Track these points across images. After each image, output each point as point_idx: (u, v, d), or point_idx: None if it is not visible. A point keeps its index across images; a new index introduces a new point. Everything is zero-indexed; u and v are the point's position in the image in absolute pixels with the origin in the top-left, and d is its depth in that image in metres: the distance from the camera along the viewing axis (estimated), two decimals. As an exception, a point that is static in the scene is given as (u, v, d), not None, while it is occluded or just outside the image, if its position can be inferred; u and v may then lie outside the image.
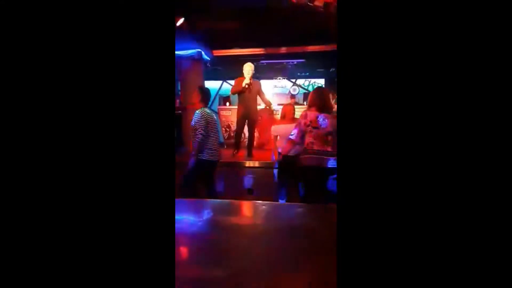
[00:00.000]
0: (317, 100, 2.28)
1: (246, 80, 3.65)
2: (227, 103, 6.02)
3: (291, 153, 2.90)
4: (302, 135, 2.25)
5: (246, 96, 3.75)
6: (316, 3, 3.56)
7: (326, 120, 2.21)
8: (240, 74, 3.82)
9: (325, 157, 2.18)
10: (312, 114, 2.23)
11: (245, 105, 3.78)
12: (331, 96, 2.39)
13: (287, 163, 2.93)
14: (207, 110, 2.74)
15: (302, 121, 2.26)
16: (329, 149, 2.18)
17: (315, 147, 2.19)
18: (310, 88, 7.23)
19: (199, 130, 2.64)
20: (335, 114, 2.26)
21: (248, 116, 3.82)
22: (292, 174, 2.92)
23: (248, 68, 3.70)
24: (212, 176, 2.89)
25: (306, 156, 2.25)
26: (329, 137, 2.19)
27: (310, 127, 2.20)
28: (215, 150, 2.76)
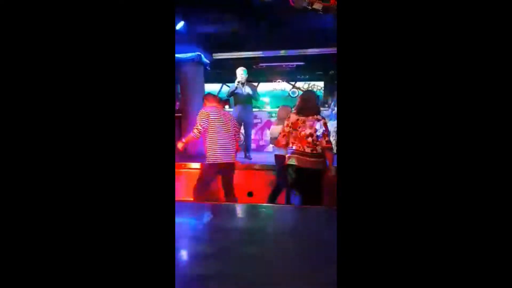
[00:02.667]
0: (300, 104, 2.46)
1: (238, 79, 3.79)
2: (226, 106, 6.05)
3: (279, 153, 2.95)
4: (284, 135, 2.41)
5: (240, 99, 3.84)
6: (315, 6, 3.58)
7: (307, 123, 2.33)
8: None
9: (302, 156, 2.30)
10: (294, 117, 2.39)
11: (239, 108, 3.88)
12: (314, 100, 2.47)
13: (279, 163, 2.97)
14: (211, 106, 2.64)
15: (285, 123, 2.44)
16: (308, 150, 2.25)
17: (294, 147, 2.34)
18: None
19: (197, 126, 2.55)
20: (319, 117, 2.33)
21: (243, 118, 3.90)
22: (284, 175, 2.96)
23: (240, 72, 3.84)
24: (226, 181, 2.72)
25: (286, 155, 2.40)
26: (309, 139, 2.26)
27: (291, 129, 2.37)
28: (220, 151, 2.57)
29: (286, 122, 2.44)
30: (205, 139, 2.65)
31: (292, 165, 2.32)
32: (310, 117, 2.34)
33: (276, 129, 3.10)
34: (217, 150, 2.60)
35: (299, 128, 2.33)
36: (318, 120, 2.33)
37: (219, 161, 2.59)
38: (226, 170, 2.68)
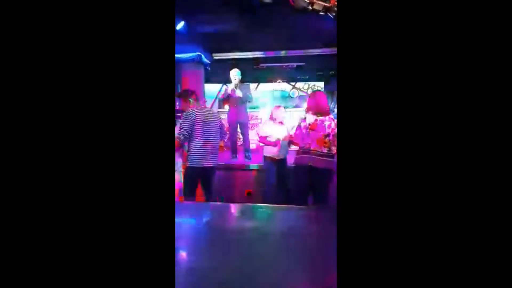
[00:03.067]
0: (314, 104, 2.39)
1: (231, 86, 3.87)
2: (226, 106, 6.07)
3: (276, 156, 2.94)
4: (302, 137, 2.37)
5: (235, 101, 3.91)
6: (316, 6, 3.59)
7: (325, 123, 2.30)
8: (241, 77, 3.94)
9: (318, 157, 2.27)
10: (311, 117, 2.35)
11: (234, 110, 3.96)
12: (326, 99, 2.45)
13: (273, 164, 2.97)
14: (197, 109, 2.48)
15: (302, 124, 2.38)
16: (325, 150, 2.24)
17: (311, 148, 2.30)
18: (310, 92, 7.26)
19: (182, 130, 2.39)
20: (332, 117, 2.33)
21: (238, 120, 3.98)
22: (279, 175, 2.98)
23: (233, 73, 3.89)
24: (208, 184, 2.67)
25: (301, 155, 2.34)
26: (327, 139, 2.25)
27: (308, 130, 2.32)
28: (204, 155, 2.48)
29: (302, 124, 2.38)
30: (189, 141, 2.51)
31: (305, 165, 2.29)
32: (327, 117, 2.33)
33: (264, 128, 3.07)
34: (203, 153, 2.49)
35: (318, 128, 2.30)
36: (333, 120, 2.33)
37: (204, 165, 2.50)
38: (209, 173, 2.60)
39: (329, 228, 1.22)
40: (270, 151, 3.00)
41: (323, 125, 2.30)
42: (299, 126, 2.44)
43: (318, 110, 2.35)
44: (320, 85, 7.41)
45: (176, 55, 4.73)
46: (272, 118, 3.14)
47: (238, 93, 3.86)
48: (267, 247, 1.18)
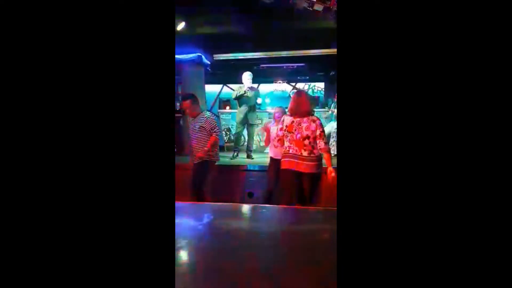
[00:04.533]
0: (292, 105, 2.33)
1: (245, 88, 4.05)
2: (227, 107, 6.07)
3: (275, 156, 2.94)
4: (279, 139, 2.35)
5: (246, 102, 4.08)
6: (316, 7, 3.60)
7: (302, 125, 2.24)
8: (240, 78, 4.10)
9: (299, 161, 2.21)
10: (288, 119, 2.30)
11: (245, 111, 4.11)
12: (307, 100, 2.38)
13: (273, 165, 2.98)
14: (207, 111, 3.09)
15: (279, 126, 2.34)
16: (306, 153, 2.20)
17: (291, 151, 2.24)
18: (310, 92, 7.26)
19: (216, 130, 2.88)
20: (314, 118, 2.28)
21: (248, 120, 4.13)
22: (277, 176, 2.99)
23: (246, 76, 4.10)
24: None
25: (283, 159, 2.30)
26: (306, 141, 2.20)
27: (286, 132, 2.27)
28: (218, 148, 3.02)
29: (279, 126, 2.32)
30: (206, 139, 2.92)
31: (288, 170, 2.23)
32: (305, 119, 2.24)
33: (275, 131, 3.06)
34: (217, 149, 3.00)
35: (294, 130, 2.23)
36: (314, 121, 2.24)
37: (217, 158, 3.03)
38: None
39: (329, 228, 1.22)
40: (277, 153, 2.97)
41: (300, 126, 2.23)
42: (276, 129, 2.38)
43: (296, 111, 2.28)
44: (321, 85, 7.41)
45: (176, 56, 4.74)
46: (274, 119, 3.12)
47: (250, 94, 4.01)
48: (268, 248, 1.18)
